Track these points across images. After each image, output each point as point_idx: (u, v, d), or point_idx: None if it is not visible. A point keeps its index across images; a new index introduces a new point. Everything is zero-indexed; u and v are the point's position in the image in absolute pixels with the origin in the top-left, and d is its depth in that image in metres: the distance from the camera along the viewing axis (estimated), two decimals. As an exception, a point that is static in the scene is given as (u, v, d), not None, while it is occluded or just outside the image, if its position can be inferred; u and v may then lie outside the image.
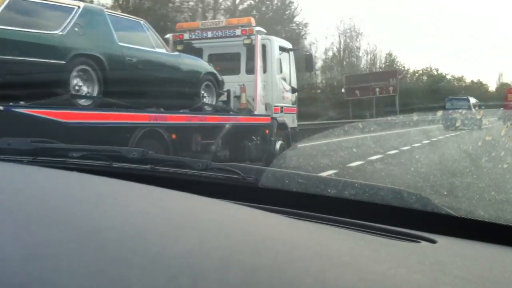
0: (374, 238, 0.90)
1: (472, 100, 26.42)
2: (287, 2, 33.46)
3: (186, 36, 9.07)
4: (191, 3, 27.37)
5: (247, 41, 8.61)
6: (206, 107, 7.56)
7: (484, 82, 61.00)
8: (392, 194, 1.14)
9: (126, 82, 6.01)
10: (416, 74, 50.04)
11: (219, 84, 7.81)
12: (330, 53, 39.99)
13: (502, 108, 28.88)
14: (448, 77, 53.04)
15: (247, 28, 8.66)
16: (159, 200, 0.82)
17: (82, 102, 5.50)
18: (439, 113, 22.29)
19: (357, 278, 0.56)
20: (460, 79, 55.93)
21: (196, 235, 0.60)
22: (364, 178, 6.94)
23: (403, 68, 46.41)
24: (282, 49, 9.54)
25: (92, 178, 0.98)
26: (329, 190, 1.16)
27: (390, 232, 0.94)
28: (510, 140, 6.89)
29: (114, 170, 1.27)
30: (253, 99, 8.60)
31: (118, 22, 6.20)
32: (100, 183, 0.92)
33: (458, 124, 19.36)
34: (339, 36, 40.50)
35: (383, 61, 44.83)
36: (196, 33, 9.10)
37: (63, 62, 5.21)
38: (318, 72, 34.76)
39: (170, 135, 6.50)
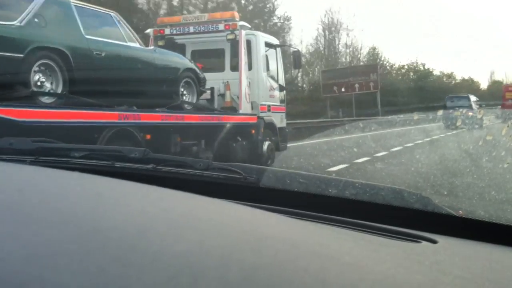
0: (374, 238, 0.90)
1: (473, 98, 26.20)
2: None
3: (167, 31, 8.69)
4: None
5: (230, 37, 8.25)
6: (186, 106, 7.10)
7: (475, 80, 59.52)
8: (392, 194, 1.14)
9: (94, 78, 5.61)
10: (402, 70, 46.84)
11: (200, 81, 7.35)
12: (310, 48, 38.16)
13: (499, 107, 28.78)
14: (437, 73, 50.55)
15: (230, 23, 8.29)
16: (160, 199, 0.82)
17: (45, 99, 5.11)
18: (440, 112, 22.26)
19: (357, 278, 0.56)
20: (450, 76, 53.79)
21: (197, 235, 0.60)
22: (364, 178, 6.95)
23: (387, 63, 43.42)
24: (268, 45, 9.19)
25: (94, 178, 0.99)
26: (330, 190, 1.16)
27: (390, 232, 0.94)
28: (511, 139, 6.89)
29: (116, 170, 1.28)
30: (238, 97, 8.31)
31: (85, 14, 5.76)
32: (102, 183, 0.93)
33: (458, 123, 19.35)
34: (323, 30, 38.60)
35: (365, 56, 41.76)
36: (178, 28, 8.72)
37: (21, 55, 4.82)
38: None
39: (144, 136, 6.04)
